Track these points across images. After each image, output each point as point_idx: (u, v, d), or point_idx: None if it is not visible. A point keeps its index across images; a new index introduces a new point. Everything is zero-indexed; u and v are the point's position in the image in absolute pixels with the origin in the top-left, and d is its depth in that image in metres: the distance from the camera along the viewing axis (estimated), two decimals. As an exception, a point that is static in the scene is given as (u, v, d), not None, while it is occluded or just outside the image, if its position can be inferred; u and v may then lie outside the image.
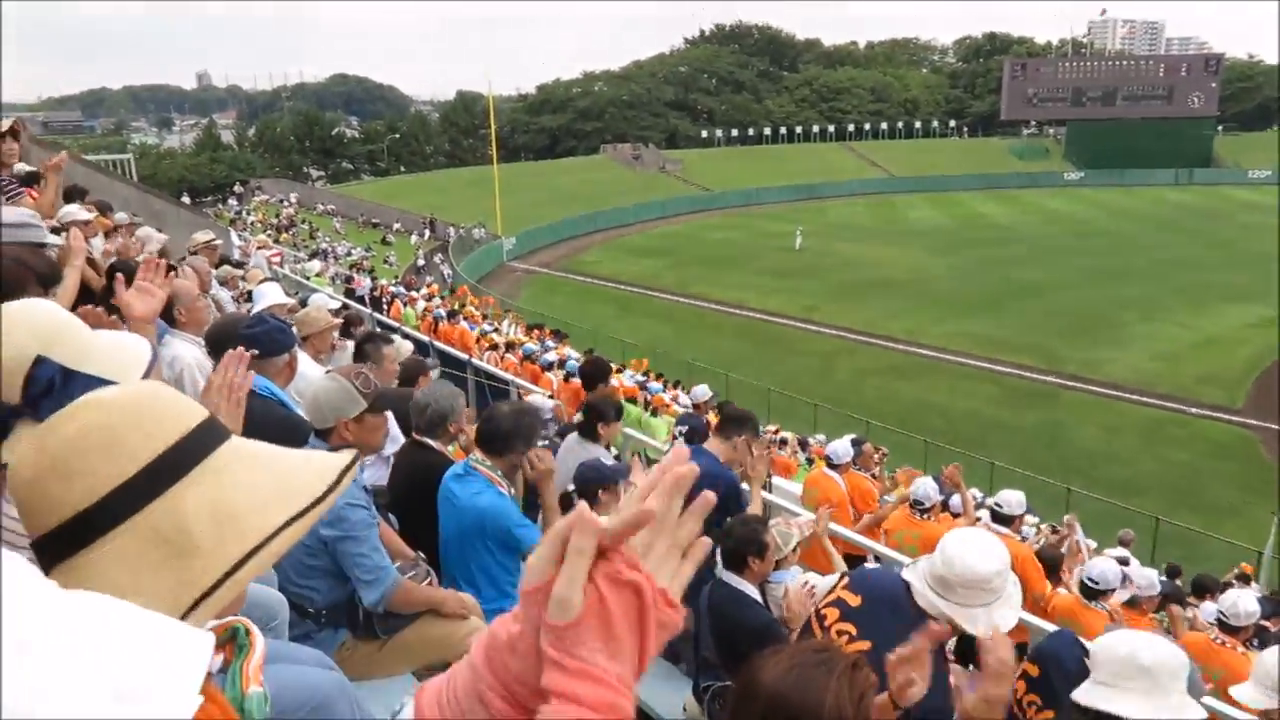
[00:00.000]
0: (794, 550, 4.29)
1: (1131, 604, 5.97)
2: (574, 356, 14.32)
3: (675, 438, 9.55)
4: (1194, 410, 24.14)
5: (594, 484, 4.34)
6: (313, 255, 35.08)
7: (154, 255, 5.13)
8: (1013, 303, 36.09)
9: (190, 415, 0.95)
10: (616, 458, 5.65)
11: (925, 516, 6.80)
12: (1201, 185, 78.76)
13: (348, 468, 0.96)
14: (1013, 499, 6.60)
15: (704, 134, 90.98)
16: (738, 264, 46.36)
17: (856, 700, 1.39)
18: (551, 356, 13.52)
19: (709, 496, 0.80)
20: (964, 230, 55.64)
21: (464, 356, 10.60)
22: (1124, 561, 7.90)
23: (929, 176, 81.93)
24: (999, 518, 6.53)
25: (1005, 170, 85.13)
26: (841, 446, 7.63)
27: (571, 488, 4.47)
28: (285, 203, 53.37)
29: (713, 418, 10.90)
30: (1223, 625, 5.63)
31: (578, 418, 5.46)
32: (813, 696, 1.37)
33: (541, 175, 71.76)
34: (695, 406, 10.42)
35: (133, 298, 2.65)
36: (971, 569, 2.46)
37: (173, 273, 4.65)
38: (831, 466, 7.48)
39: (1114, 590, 5.66)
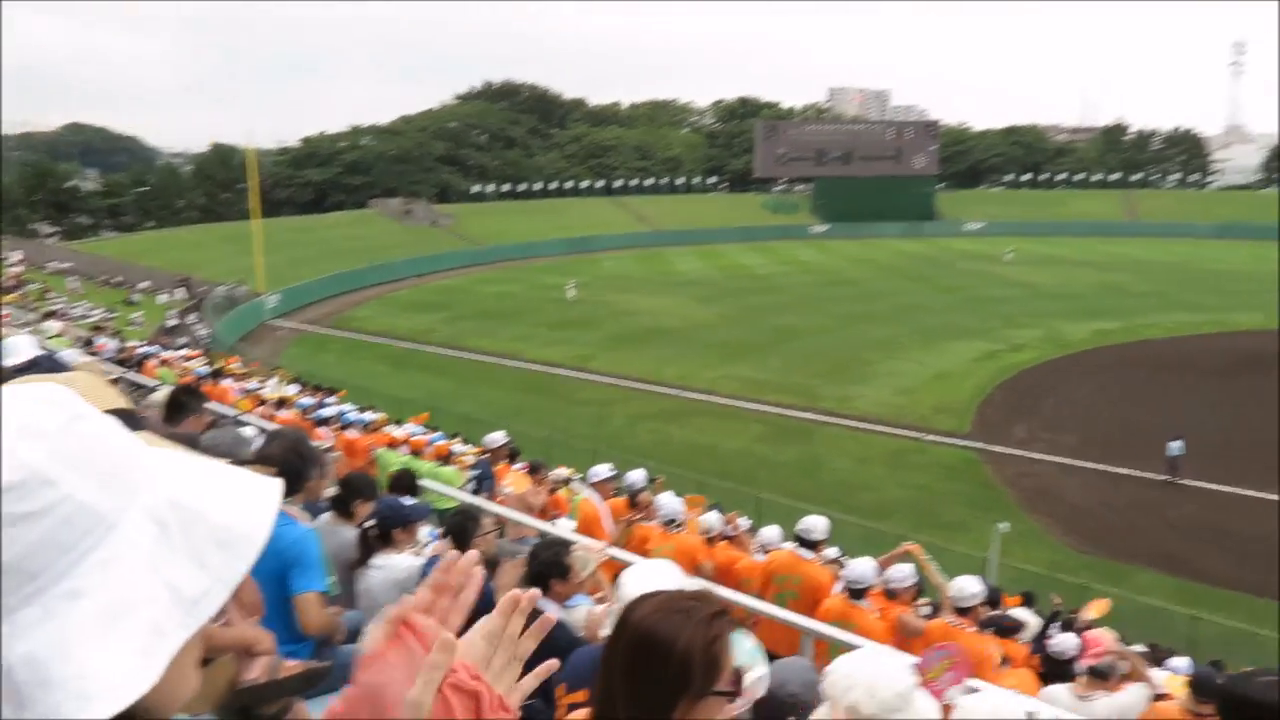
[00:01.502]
0: (592, 575, 4.65)
1: (891, 595, 6.79)
2: (352, 409, 14.10)
3: (467, 483, 9.73)
4: (929, 438, 26.90)
5: (392, 524, 4.53)
6: (46, 316, 31.99)
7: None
8: (774, 346, 38.70)
9: None
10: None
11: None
12: (928, 237, 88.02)
13: None
14: (818, 525, 7.31)
15: (476, 189, 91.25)
16: (514, 316, 46.71)
17: (707, 644, 1.59)
18: (329, 411, 13.27)
19: (549, 618, 1.02)
20: (727, 280, 59.03)
21: (233, 412, 10.25)
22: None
23: (693, 229, 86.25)
24: (805, 543, 7.21)
25: (761, 223, 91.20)
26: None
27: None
28: (8, 262, 48.21)
29: (506, 467, 11.16)
30: (956, 609, 6.54)
31: (330, 492, 5.06)
32: (670, 636, 1.58)
33: (307, 230, 69.22)
34: (489, 453, 10.62)
35: None
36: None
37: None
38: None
39: (873, 586, 6.45)
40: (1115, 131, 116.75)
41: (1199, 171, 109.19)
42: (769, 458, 25.46)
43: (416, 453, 12.60)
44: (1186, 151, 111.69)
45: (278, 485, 0.82)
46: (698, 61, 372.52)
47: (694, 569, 7.41)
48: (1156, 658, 9.85)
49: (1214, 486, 22.81)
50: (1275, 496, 22.03)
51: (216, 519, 0.74)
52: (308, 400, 14.25)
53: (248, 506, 0.77)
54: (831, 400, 30.69)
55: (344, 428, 12.01)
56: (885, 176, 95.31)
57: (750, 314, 46.29)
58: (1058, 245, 77.42)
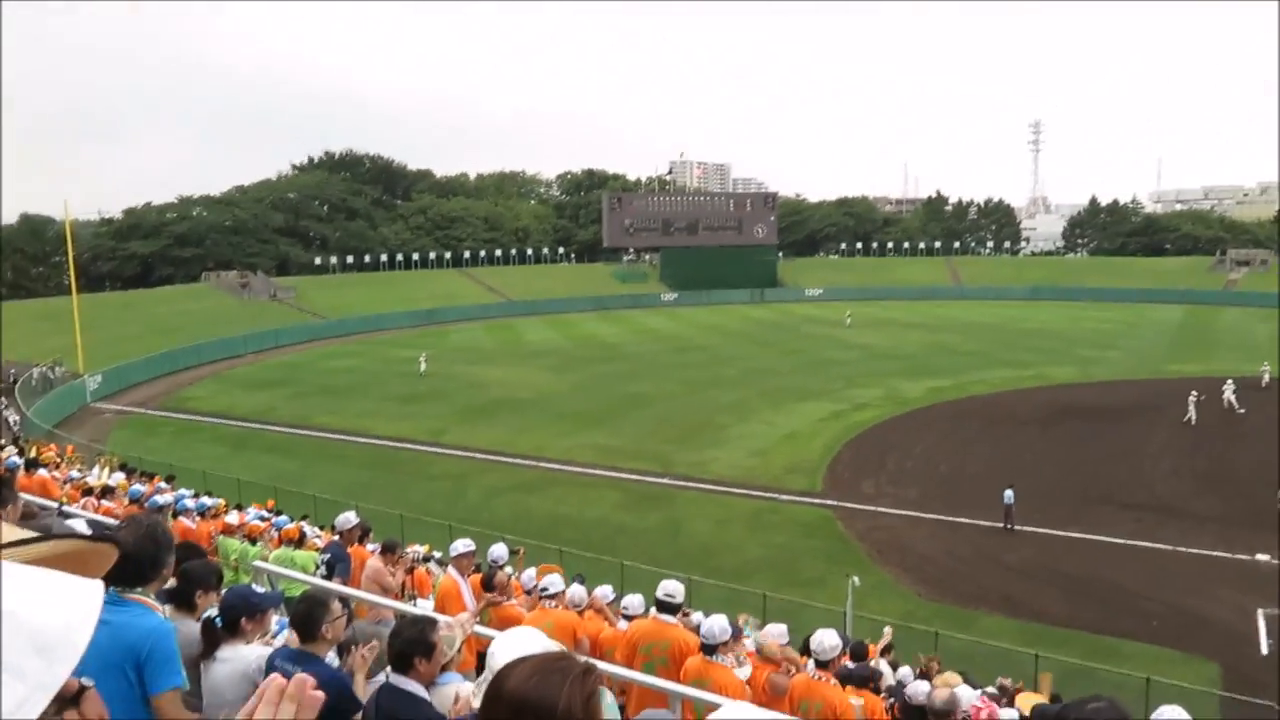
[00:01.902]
0: (458, 651, 4.46)
1: (763, 656, 6.86)
2: (188, 495, 13.20)
3: (319, 567, 9.23)
4: (784, 498, 27.57)
5: (240, 613, 4.23)
6: None
7: None
8: (628, 414, 38.98)
9: None
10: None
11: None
12: (771, 303, 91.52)
13: None
14: (679, 589, 7.31)
15: (318, 260, 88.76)
16: (361, 391, 45.35)
17: (585, 700, 1.63)
18: (164, 498, 12.37)
19: (303, 679, 1.08)
20: (579, 349, 59.33)
21: (54, 504, 9.41)
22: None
23: (543, 300, 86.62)
24: (666, 608, 7.16)
25: (611, 293, 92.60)
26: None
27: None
28: None
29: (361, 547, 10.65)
30: (817, 663, 6.63)
31: (171, 584, 4.75)
32: (549, 697, 1.60)
33: (132, 305, 65.36)
34: (340, 535, 10.11)
35: None
36: None
37: None
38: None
39: (727, 643, 6.46)
40: (936, 203, 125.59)
41: (1011, 239, 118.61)
42: (629, 525, 25.42)
43: (252, 539, 11.89)
44: (998, 221, 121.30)
45: (99, 587, 0.80)
46: (543, 134, 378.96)
47: (574, 644, 7.26)
48: (1010, 697, 10.28)
49: (1046, 531, 24.31)
50: (1100, 538, 23.69)
51: (33, 624, 0.72)
52: (139, 488, 13.26)
53: (68, 610, 0.75)
54: (687, 465, 31.06)
55: (175, 515, 11.22)
56: (729, 246, 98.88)
57: (603, 382, 46.58)
58: (891, 309, 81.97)
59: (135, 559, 3.64)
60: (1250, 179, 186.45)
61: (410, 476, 30.45)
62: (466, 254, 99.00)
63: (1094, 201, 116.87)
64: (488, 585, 8.43)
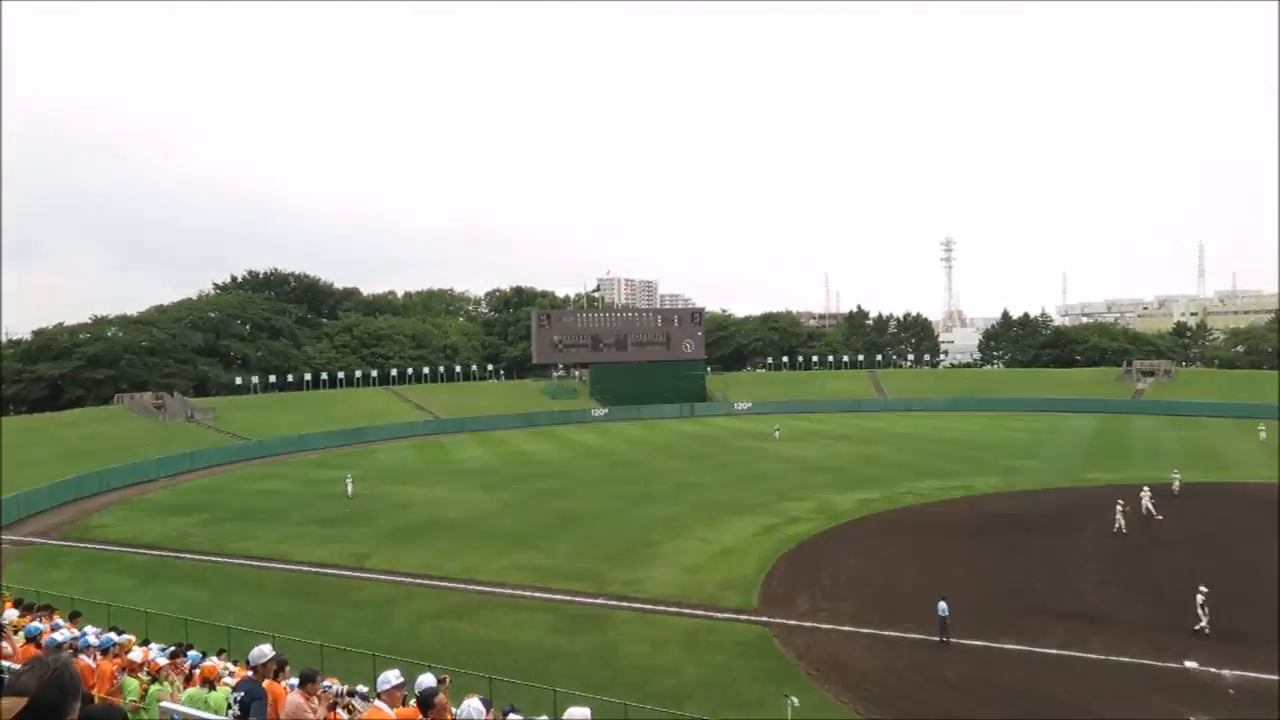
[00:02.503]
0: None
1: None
2: (91, 633, 12.40)
3: (231, 706, 8.68)
4: (720, 615, 27.13)
5: None
6: None
7: None
8: (560, 532, 38.32)
9: None
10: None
11: None
12: (701, 417, 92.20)
13: None
14: (585, 716, 6.97)
15: (239, 380, 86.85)
16: (281, 515, 43.85)
17: None
18: (63, 635, 11.58)
19: None
20: (510, 466, 58.58)
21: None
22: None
23: (472, 417, 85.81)
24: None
25: (541, 409, 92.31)
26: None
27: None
28: None
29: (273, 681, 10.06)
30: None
31: None
32: None
33: (38, 430, 62.68)
34: (254, 670, 9.55)
35: None
36: None
37: None
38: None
39: None
40: (857, 317, 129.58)
41: (930, 352, 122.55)
42: (563, 648, 24.64)
43: (154, 678, 11.16)
44: (917, 334, 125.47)
45: None
46: (470, 251, 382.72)
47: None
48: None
49: (980, 643, 24.30)
50: (1034, 649, 23.75)
51: None
52: (37, 625, 12.41)
53: None
54: (621, 584, 30.47)
55: (81, 653, 10.49)
56: (658, 361, 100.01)
57: (534, 499, 45.92)
58: (819, 421, 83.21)
59: (38, 708, 3.37)
60: (1149, 292, 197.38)
61: (332, 604, 29.21)
62: (394, 372, 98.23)
63: (1006, 315, 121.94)
64: (426, 707, 7.98)
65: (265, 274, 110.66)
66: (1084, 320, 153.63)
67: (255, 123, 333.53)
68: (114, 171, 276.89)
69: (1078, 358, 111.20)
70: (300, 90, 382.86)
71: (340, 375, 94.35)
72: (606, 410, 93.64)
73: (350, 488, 48.04)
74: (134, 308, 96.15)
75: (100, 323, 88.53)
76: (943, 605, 24.61)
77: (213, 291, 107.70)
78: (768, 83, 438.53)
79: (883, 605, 27.65)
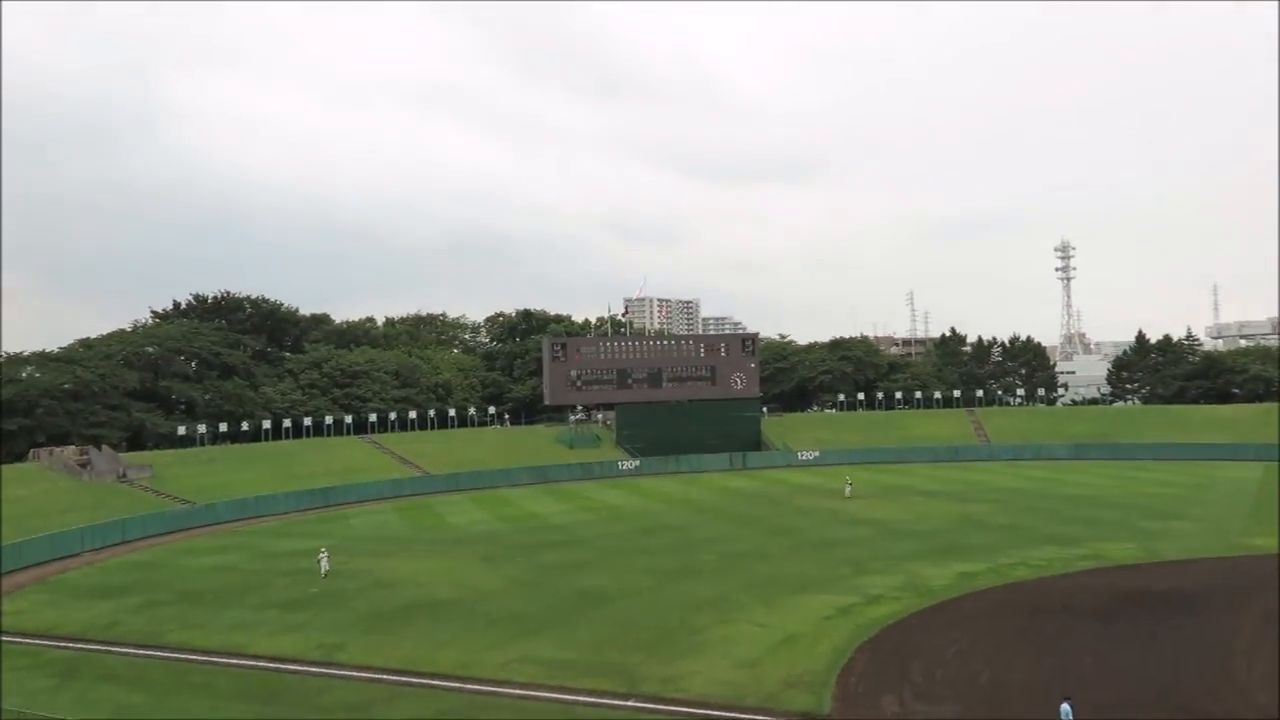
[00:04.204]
0: None
1: None
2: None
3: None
4: (783, 721, 26.79)
5: None
6: None
7: None
8: (580, 615, 38.14)
9: None
10: None
11: None
12: (755, 469, 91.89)
13: None
14: None
15: (182, 430, 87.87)
16: (235, 597, 44.11)
17: None
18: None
19: None
20: (517, 534, 58.55)
21: None
22: None
23: (470, 472, 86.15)
24: None
25: (556, 461, 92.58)
26: None
27: None
28: None
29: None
30: None
31: None
32: None
33: (-63, 493, 63.67)
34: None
35: None
36: None
37: None
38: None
39: None
40: (951, 342, 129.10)
41: (1045, 385, 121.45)
42: (582, 765, 24.43)
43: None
44: (1028, 363, 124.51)
45: None
46: (466, 267, 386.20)
47: None
48: None
49: (1117, 755, 23.76)
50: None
51: None
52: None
53: None
54: (656, 681, 30.21)
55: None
56: (702, 400, 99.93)
57: (547, 575, 45.82)
58: (903, 473, 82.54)
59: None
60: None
61: (296, 708, 29.22)
62: (373, 417, 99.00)
63: (1141, 338, 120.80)
64: None
65: (215, 298, 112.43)
66: (1242, 344, 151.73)
67: (201, 109, 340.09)
68: (27, 176, 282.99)
69: (1235, 390, 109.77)
70: (255, 67, 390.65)
71: (307, 422, 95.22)
72: (637, 462, 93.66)
73: (325, 566, 48.04)
74: (54, 342, 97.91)
75: (13, 361, 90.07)
76: (1066, 708, 24.14)
77: (151, 321, 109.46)
78: (836, 50, 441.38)
79: (992, 707, 27.17)
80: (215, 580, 48.09)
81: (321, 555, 49.15)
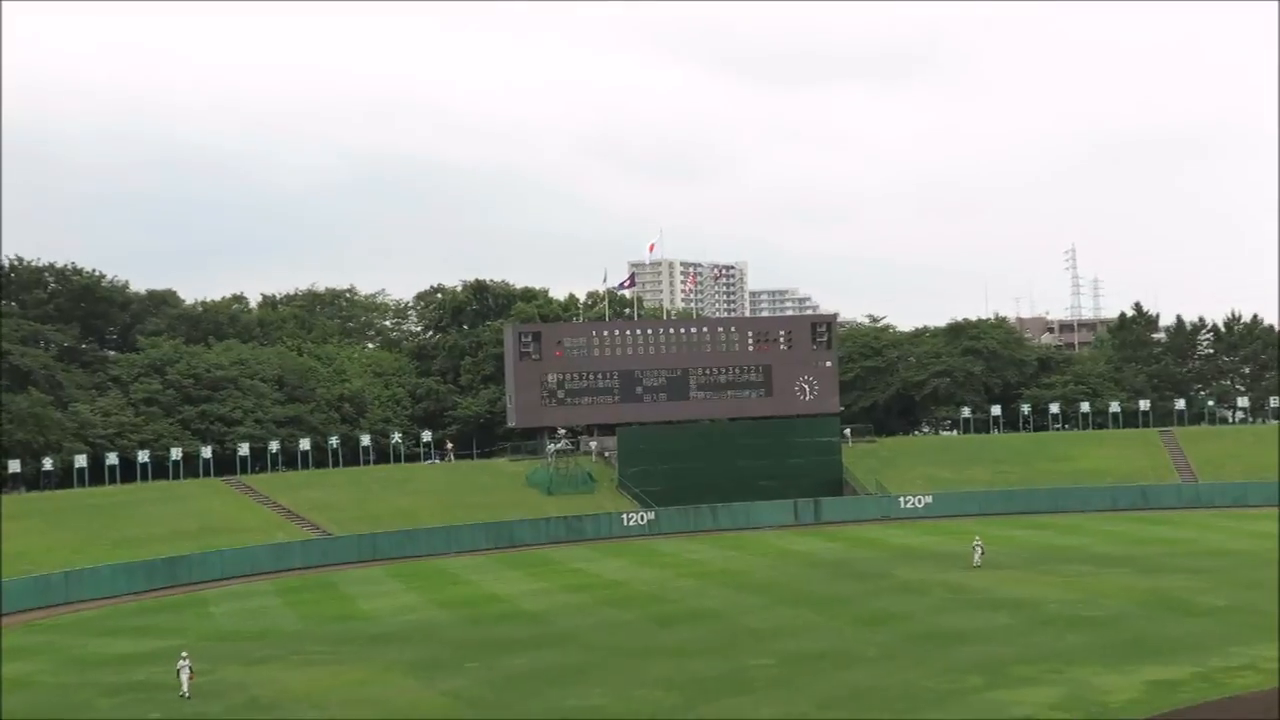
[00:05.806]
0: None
1: None
2: None
3: None
4: None
5: None
6: None
7: None
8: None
9: None
10: None
11: None
12: (833, 524, 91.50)
13: None
14: None
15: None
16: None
17: None
18: None
19: None
20: (466, 627, 58.39)
21: None
22: None
23: (395, 533, 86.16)
24: None
25: (526, 515, 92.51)
26: None
27: None
28: None
29: None
30: None
31: None
32: None
33: None
34: None
35: None
36: None
37: None
38: None
39: None
40: (1135, 327, 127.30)
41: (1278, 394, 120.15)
42: None
43: None
44: (1256, 358, 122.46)
45: None
46: (385, 216, 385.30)
47: None
48: None
49: None
50: None
51: None
52: None
53: None
54: None
55: None
56: (749, 418, 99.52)
57: (513, 691, 45.72)
58: (1063, 530, 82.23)
59: None
60: None
61: None
62: (244, 450, 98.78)
63: None
64: None
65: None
66: None
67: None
68: None
69: None
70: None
71: (143, 458, 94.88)
72: (651, 515, 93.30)
73: (187, 683, 47.33)
74: None
75: None
76: None
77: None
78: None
79: None
80: (7, 701, 47.92)
81: (182, 662, 48.47)
